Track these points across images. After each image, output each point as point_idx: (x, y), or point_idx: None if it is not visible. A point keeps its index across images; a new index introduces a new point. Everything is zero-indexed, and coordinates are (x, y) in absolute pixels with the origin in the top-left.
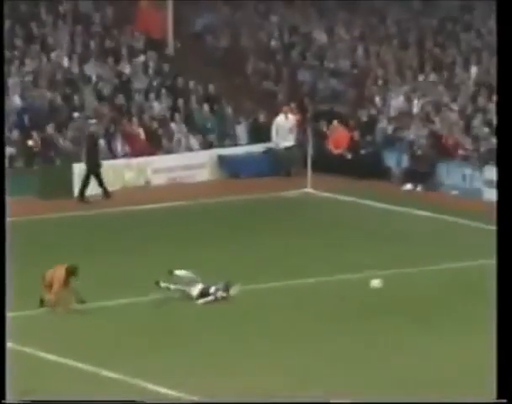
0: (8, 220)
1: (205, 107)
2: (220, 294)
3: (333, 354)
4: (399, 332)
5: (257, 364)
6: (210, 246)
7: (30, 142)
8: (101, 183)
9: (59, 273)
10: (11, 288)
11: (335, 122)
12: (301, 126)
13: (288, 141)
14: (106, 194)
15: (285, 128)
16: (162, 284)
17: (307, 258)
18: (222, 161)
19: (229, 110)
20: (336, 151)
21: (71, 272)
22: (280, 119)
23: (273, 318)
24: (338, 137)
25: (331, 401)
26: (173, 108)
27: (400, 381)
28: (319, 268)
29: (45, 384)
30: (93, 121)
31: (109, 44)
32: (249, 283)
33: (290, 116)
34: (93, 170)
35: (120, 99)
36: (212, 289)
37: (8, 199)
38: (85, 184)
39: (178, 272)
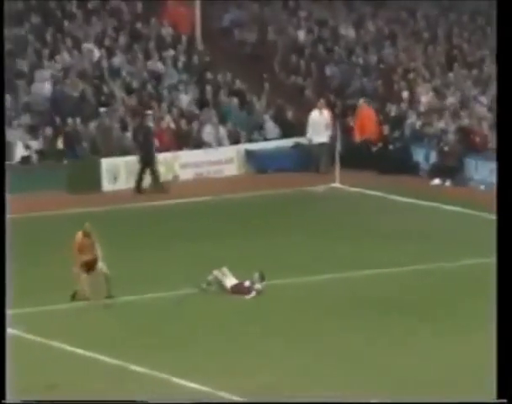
0: (36, 214)
1: (234, 102)
2: (256, 286)
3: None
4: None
5: (269, 362)
6: (237, 241)
7: (59, 138)
8: (156, 176)
9: (75, 239)
10: (43, 282)
11: (361, 101)
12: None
13: (322, 137)
14: (161, 187)
15: (319, 124)
16: (203, 285)
17: (333, 254)
18: (250, 156)
19: (257, 105)
20: (362, 137)
21: (85, 233)
22: (315, 114)
23: (294, 314)
24: (364, 120)
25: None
26: (202, 103)
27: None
28: (343, 264)
29: (72, 378)
30: (150, 112)
31: (138, 38)
32: (273, 278)
33: (325, 112)
34: (149, 162)
35: (149, 93)
36: (247, 283)
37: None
38: (141, 177)
39: (215, 272)
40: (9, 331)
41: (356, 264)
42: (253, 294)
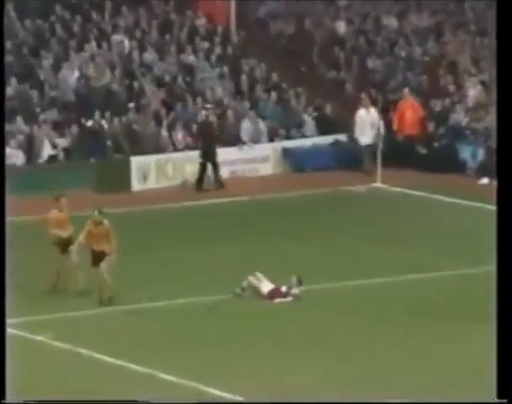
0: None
1: (270, 97)
2: (294, 291)
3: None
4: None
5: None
6: (273, 244)
7: (87, 135)
8: (216, 173)
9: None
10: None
11: (406, 90)
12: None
13: (368, 137)
14: (219, 183)
15: (366, 123)
16: (237, 291)
17: (374, 258)
18: (287, 153)
19: (295, 100)
20: (404, 133)
21: (95, 222)
22: (362, 113)
23: (333, 321)
24: (407, 113)
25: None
26: (236, 98)
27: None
28: (383, 267)
29: (99, 386)
30: (209, 106)
31: (170, 30)
32: (311, 283)
33: (372, 110)
34: (210, 158)
35: (182, 87)
36: (284, 288)
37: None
38: (202, 174)
39: (250, 277)
40: (34, 337)
41: (399, 268)
42: (290, 299)
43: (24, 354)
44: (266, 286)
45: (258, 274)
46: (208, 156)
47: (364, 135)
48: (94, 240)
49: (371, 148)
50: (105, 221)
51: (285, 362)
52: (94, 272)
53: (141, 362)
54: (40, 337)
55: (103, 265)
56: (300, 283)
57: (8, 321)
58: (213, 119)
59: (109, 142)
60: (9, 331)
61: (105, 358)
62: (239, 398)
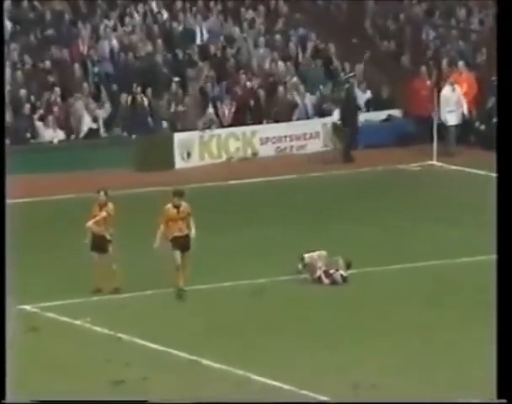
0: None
1: (320, 70)
2: (340, 274)
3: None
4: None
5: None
6: (324, 226)
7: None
8: (350, 143)
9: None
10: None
11: (461, 64)
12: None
13: (454, 117)
14: (347, 157)
15: (451, 101)
16: (299, 266)
17: (426, 240)
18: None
19: (346, 73)
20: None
21: (100, 205)
22: (447, 91)
23: (389, 305)
24: (462, 88)
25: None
26: (284, 71)
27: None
28: (439, 249)
29: (140, 374)
30: (351, 74)
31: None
32: (365, 266)
33: (457, 87)
34: (352, 128)
35: (226, 59)
36: (332, 271)
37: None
38: (349, 143)
39: (306, 255)
40: (72, 321)
41: (457, 250)
42: (339, 281)
43: (63, 339)
44: (320, 268)
45: (322, 253)
46: (350, 126)
47: (450, 114)
48: (96, 223)
49: (457, 129)
50: (110, 204)
51: (336, 351)
52: (98, 258)
53: (184, 348)
54: (78, 322)
55: (109, 253)
56: (348, 266)
57: (43, 304)
58: (354, 88)
59: (150, 118)
60: (46, 314)
61: (147, 344)
62: (288, 387)
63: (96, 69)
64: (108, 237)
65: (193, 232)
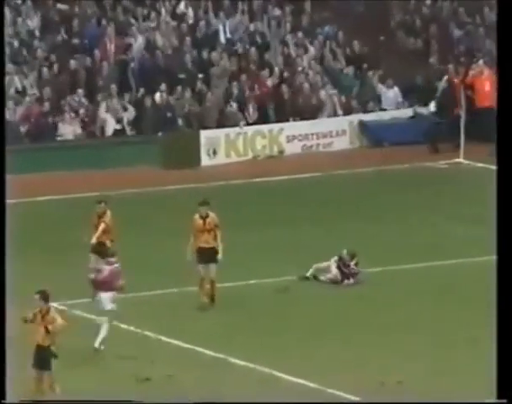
0: (129, 191)
1: (347, 67)
2: (353, 265)
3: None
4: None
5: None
6: (349, 225)
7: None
8: (438, 136)
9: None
10: (139, 265)
11: (481, 62)
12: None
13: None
14: (434, 147)
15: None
16: (309, 273)
17: (453, 238)
18: (364, 127)
19: (373, 71)
20: (483, 105)
21: (99, 215)
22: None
23: (418, 305)
24: (486, 85)
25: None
26: (311, 69)
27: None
28: (465, 248)
29: (166, 371)
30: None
31: None
32: (386, 264)
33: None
34: (447, 120)
35: (254, 57)
36: (347, 271)
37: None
38: (437, 134)
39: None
40: (95, 318)
41: (483, 249)
42: (357, 271)
43: (89, 336)
44: (333, 270)
45: (337, 257)
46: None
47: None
48: (95, 229)
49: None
50: (108, 212)
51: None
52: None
53: (209, 345)
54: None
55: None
56: (352, 256)
57: (70, 302)
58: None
59: (176, 115)
60: (72, 311)
61: (173, 341)
62: (313, 385)
63: (123, 68)
64: (108, 245)
65: (219, 245)
